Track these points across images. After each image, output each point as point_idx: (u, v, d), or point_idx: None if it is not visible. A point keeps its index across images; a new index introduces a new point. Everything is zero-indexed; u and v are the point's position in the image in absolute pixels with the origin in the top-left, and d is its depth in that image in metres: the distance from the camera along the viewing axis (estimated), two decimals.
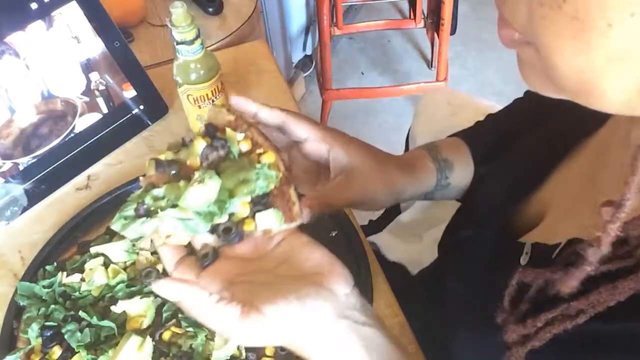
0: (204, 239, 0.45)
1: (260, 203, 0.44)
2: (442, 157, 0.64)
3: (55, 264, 0.70)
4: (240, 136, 0.46)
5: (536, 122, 0.58)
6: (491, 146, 0.66)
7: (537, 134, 0.57)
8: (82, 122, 0.82)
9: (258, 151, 0.45)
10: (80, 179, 0.82)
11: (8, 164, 0.78)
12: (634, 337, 0.35)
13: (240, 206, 0.43)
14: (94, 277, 0.66)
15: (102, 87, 0.83)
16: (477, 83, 2.19)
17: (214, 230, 0.43)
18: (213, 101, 0.77)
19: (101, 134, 0.84)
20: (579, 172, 0.49)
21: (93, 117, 0.83)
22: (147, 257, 0.69)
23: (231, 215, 0.44)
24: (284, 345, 0.44)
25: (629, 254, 0.36)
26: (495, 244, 0.54)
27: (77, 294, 0.66)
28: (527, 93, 0.68)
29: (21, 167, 0.79)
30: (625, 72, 0.30)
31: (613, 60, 0.29)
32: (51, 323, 0.63)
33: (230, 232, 0.43)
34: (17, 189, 0.78)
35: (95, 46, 0.81)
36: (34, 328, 0.63)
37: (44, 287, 0.67)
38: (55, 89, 0.80)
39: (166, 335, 0.62)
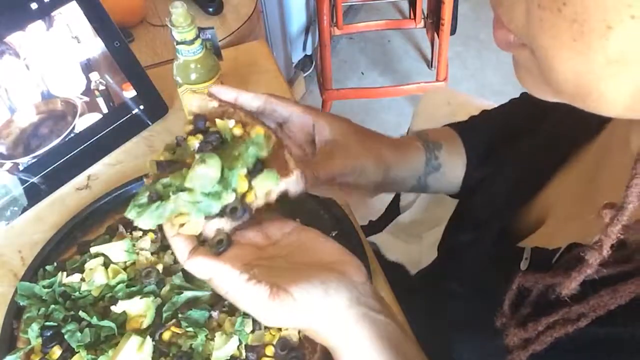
0: (215, 225, 0.45)
1: (256, 172, 0.45)
2: (430, 139, 0.64)
3: (55, 264, 0.70)
4: (231, 123, 0.47)
5: (532, 123, 0.58)
6: (483, 136, 0.66)
7: (537, 137, 0.57)
8: (82, 122, 0.82)
9: (247, 128, 0.47)
10: (80, 179, 0.82)
11: (8, 164, 0.78)
12: (635, 341, 0.34)
13: (239, 181, 0.44)
14: (94, 277, 0.66)
15: (102, 87, 0.83)
16: (477, 83, 2.19)
17: (222, 213, 0.44)
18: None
19: (101, 134, 0.84)
20: (579, 176, 0.49)
21: (93, 117, 0.83)
22: (147, 257, 0.69)
23: (235, 193, 0.45)
24: (304, 328, 0.45)
25: (629, 257, 0.36)
26: (495, 249, 0.54)
27: (77, 294, 0.66)
28: (524, 94, 0.68)
29: (21, 167, 0.79)
30: (623, 75, 0.29)
31: (612, 63, 0.29)
32: (51, 323, 0.63)
33: (237, 210, 0.44)
34: (17, 189, 0.78)
35: (95, 46, 0.81)
36: (34, 328, 0.63)
37: (44, 287, 0.67)
38: (55, 89, 0.80)
39: (166, 335, 0.62)
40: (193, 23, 0.70)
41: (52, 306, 0.65)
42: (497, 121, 0.69)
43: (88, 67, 0.81)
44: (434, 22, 2.01)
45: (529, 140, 0.58)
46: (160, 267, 0.68)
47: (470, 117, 0.70)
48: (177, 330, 0.62)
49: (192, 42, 0.71)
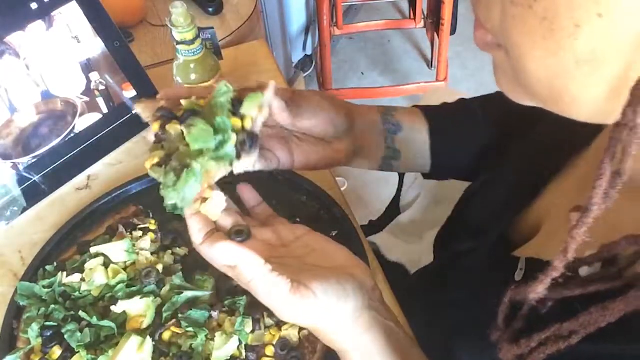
0: (242, 166, 0.46)
1: (238, 106, 0.46)
2: (386, 108, 0.65)
3: (55, 264, 0.70)
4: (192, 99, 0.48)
5: (524, 123, 0.57)
6: (445, 113, 0.66)
7: (533, 143, 0.57)
8: (82, 122, 0.82)
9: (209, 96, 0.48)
10: (80, 179, 0.82)
11: (8, 164, 0.78)
12: (626, 358, 0.34)
13: (231, 121, 0.45)
14: (94, 277, 0.66)
15: (102, 87, 0.83)
16: (477, 83, 2.19)
17: (238, 154, 0.45)
18: None
19: (101, 134, 0.84)
20: (573, 185, 0.49)
21: (93, 117, 0.83)
22: (147, 257, 0.69)
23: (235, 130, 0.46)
24: (314, 328, 0.45)
25: (618, 274, 0.35)
26: (491, 258, 0.54)
27: (77, 294, 0.66)
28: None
29: (21, 167, 0.79)
30: (594, 77, 0.29)
31: (582, 64, 0.28)
32: (51, 323, 0.63)
33: (245, 142, 0.45)
34: (16, 190, 0.78)
35: (95, 46, 0.81)
36: (34, 328, 0.63)
37: (44, 287, 0.67)
38: (55, 89, 0.80)
39: (166, 335, 0.62)
40: (193, 23, 0.70)
41: (52, 306, 0.65)
42: (465, 103, 0.69)
43: (88, 67, 0.81)
44: (434, 22, 2.01)
45: (524, 145, 0.58)
46: (160, 267, 0.68)
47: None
48: (177, 330, 0.62)
49: (192, 42, 0.71)
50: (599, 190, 0.30)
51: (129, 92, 0.85)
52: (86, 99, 0.82)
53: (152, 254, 0.69)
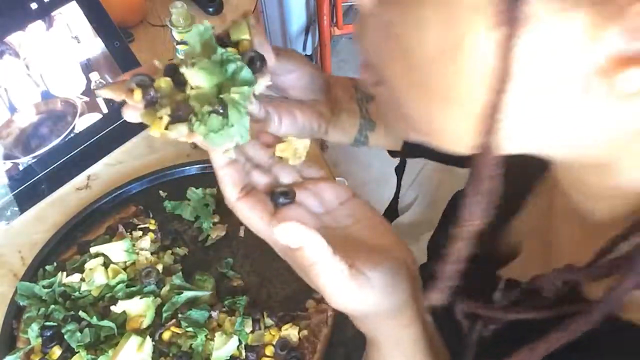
0: (261, 86, 0.41)
1: (225, 36, 0.43)
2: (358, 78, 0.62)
3: (55, 264, 0.70)
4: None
5: None
6: None
7: (512, 157, 0.55)
8: (82, 122, 0.82)
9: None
10: (80, 179, 0.82)
11: (8, 164, 0.78)
12: None
13: (228, 51, 0.41)
14: (94, 277, 0.66)
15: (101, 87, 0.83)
16: None
17: (254, 76, 0.40)
18: None
19: (101, 134, 0.84)
20: (539, 206, 0.47)
21: (93, 117, 0.83)
22: (146, 257, 0.69)
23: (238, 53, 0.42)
24: (359, 315, 0.41)
25: (546, 303, 0.35)
26: (474, 276, 0.52)
27: (77, 294, 0.66)
28: None
29: (21, 167, 0.79)
30: (453, 111, 0.28)
31: (440, 99, 0.28)
32: (51, 323, 0.63)
33: (254, 59, 0.41)
34: (8, 196, 0.78)
35: (95, 46, 0.81)
36: (34, 328, 0.63)
37: (43, 287, 0.67)
38: (55, 88, 0.80)
39: (166, 335, 0.62)
40: (193, 23, 0.70)
41: (52, 306, 0.65)
42: None
43: (88, 67, 0.81)
44: None
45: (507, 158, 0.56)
46: (160, 267, 0.68)
47: None
48: (177, 330, 0.62)
49: None
50: (468, 202, 0.29)
51: None
52: (86, 99, 0.82)
53: (152, 254, 0.69)
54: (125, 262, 0.69)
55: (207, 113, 0.39)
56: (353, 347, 0.63)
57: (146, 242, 0.70)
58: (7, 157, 0.78)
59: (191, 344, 0.61)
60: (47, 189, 0.80)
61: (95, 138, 0.84)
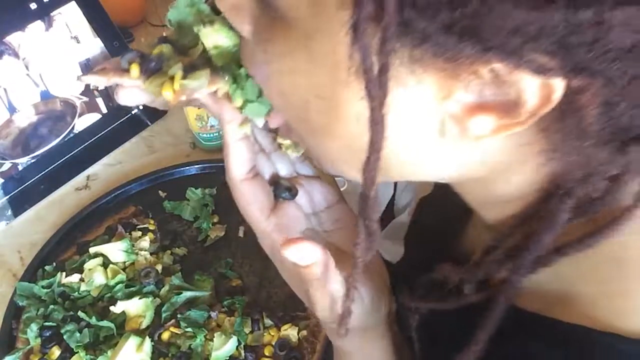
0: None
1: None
2: None
3: (54, 264, 0.70)
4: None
5: None
6: None
7: None
8: (82, 122, 0.82)
9: None
10: (79, 179, 0.82)
11: (7, 164, 0.78)
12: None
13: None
14: (93, 278, 0.66)
15: (101, 87, 0.83)
16: None
17: None
18: None
19: (100, 134, 0.84)
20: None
21: (92, 117, 0.83)
22: (146, 257, 0.69)
23: None
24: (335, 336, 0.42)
25: (449, 295, 0.38)
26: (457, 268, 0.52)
27: (76, 294, 0.66)
28: None
29: (20, 167, 0.79)
30: (334, 144, 0.30)
31: (321, 134, 0.30)
32: (50, 323, 0.63)
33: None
34: (4, 199, 0.78)
35: (94, 46, 0.81)
36: (33, 328, 0.63)
37: (43, 287, 0.67)
38: (54, 89, 0.80)
39: (165, 336, 0.62)
40: None
41: (51, 306, 0.65)
42: None
43: (87, 67, 0.81)
44: None
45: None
46: (159, 267, 0.68)
47: None
48: (176, 330, 0.62)
49: None
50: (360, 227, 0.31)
51: None
52: (85, 99, 0.82)
53: (151, 254, 0.69)
54: (125, 262, 0.69)
55: (245, 76, 0.36)
56: None
57: (145, 242, 0.70)
58: (6, 157, 0.78)
59: (190, 344, 0.61)
60: (46, 189, 0.80)
61: (94, 138, 0.84)
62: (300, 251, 0.35)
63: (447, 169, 0.31)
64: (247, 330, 0.62)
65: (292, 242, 0.34)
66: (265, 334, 0.62)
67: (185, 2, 0.38)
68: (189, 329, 0.62)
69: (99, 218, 0.75)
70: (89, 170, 0.83)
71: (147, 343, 0.61)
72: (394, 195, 0.95)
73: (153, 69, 0.38)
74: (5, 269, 0.73)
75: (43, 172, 0.80)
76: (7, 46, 0.74)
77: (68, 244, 0.73)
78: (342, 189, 0.65)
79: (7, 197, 0.78)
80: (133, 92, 0.39)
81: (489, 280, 0.37)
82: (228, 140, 0.39)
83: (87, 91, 0.82)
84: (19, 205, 0.79)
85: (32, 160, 0.79)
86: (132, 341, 0.60)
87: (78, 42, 0.80)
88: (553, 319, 0.32)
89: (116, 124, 0.85)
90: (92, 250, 0.69)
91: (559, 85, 0.24)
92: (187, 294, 0.64)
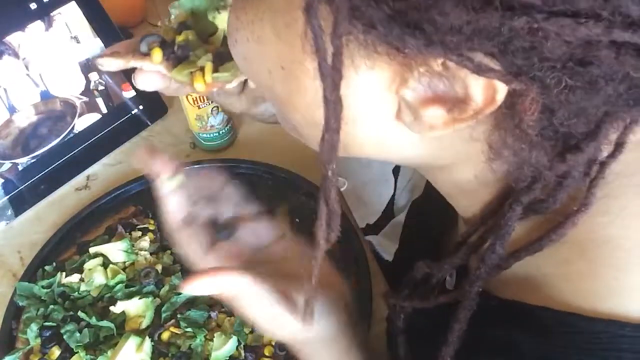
0: None
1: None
2: None
3: (54, 264, 0.70)
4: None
5: None
6: None
7: None
8: (82, 122, 0.82)
9: None
10: (79, 179, 0.82)
11: (7, 164, 0.78)
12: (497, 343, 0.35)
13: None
14: (93, 278, 0.66)
15: (101, 87, 0.83)
16: None
17: None
18: (212, 101, 0.77)
19: (100, 134, 0.84)
20: None
21: (92, 117, 0.83)
22: (146, 257, 0.69)
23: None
24: (298, 342, 0.43)
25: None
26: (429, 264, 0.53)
27: (76, 294, 0.66)
28: None
29: (20, 167, 0.79)
30: (290, 112, 0.32)
31: (277, 100, 0.32)
32: (50, 323, 0.63)
33: None
34: (4, 199, 0.78)
35: (94, 46, 0.81)
36: (33, 328, 0.63)
37: (43, 287, 0.67)
38: (54, 89, 0.80)
39: (165, 336, 0.62)
40: None
41: (51, 306, 0.65)
42: None
43: (87, 67, 0.81)
44: None
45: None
46: (159, 267, 0.68)
47: None
48: (176, 330, 0.62)
49: None
50: (321, 224, 0.32)
51: (129, 92, 0.85)
52: (85, 99, 0.82)
53: (151, 254, 0.69)
54: (125, 262, 0.69)
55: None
56: None
57: (145, 242, 0.70)
58: (6, 157, 0.78)
59: (190, 344, 0.61)
60: (46, 189, 0.80)
61: (94, 138, 0.84)
62: (199, 285, 0.37)
63: (406, 152, 0.32)
64: (247, 330, 0.62)
65: (188, 280, 0.37)
66: None
67: None
68: (189, 329, 0.62)
69: (99, 218, 0.75)
70: (89, 170, 0.83)
71: (147, 343, 0.61)
72: (394, 195, 0.95)
73: (180, 57, 0.37)
74: (5, 269, 0.73)
75: (43, 172, 0.80)
76: (7, 46, 0.74)
77: (68, 244, 0.73)
78: (342, 189, 0.66)
79: (7, 197, 0.78)
80: (152, 77, 0.40)
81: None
82: (161, 193, 0.42)
83: (87, 91, 0.82)
84: (19, 205, 0.79)
85: (32, 160, 0.79)
86: (132, 341, 0.60)
87: (78, 42, 0.80)
88: (522, 303, 0.34)
89: (116, 124, 0.85)
90: (92, 250, 0.69)
91: (502, 87, 0.25)
92: (187, 294, 0.64)
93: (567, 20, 0.21)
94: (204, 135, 0.80)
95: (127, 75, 0.84)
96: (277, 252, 0.45)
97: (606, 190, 0.32)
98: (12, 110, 0.77)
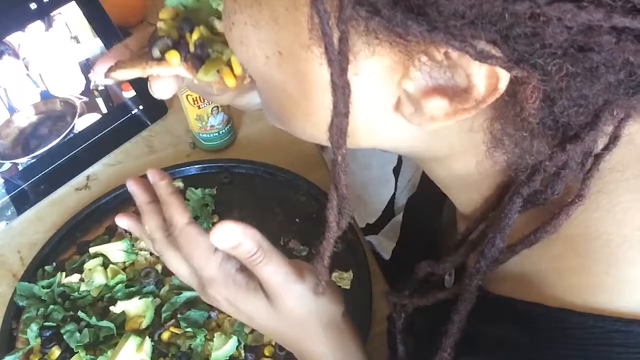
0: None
1: None
2: None
3: (54, 264, 0.70)
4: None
5: None
6: None
7: None
8: (82, 122, 0.82)
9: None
10: (79, 179, 0.82)
11: (7, 164, 0.78)
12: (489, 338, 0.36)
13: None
14: (93, 278, 0.66)
15: (101, 87, 0.83)
16: None
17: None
18: (212, 101, 0.77)
19: (100, 134, 0.84)
20: None
21: (92, 117, 0.83)
22: (146, 257, 0.69)
23: None
24: (301, 322, 0.44)
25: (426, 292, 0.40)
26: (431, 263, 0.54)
27: (76, 294, 0.66)
28: None
29: (20, 167, 0.79)
30: (281, 98, 0.32)
31: (271, 86, 0.31)
32: (50, 323, 0.63)
33: None
34: (4, 199, 0.78)
35: (94, 46, 0.81)
36: (33, 328, 0.63)
37: (43, 287, 0.67)
38: (54, 89, 0.80)
39: (165, 336, 0.62)
40: None
41: (51, 306, 0.65)
42: None
43: (87, 67, 0.81)
44: None
45: None
46: (159, 267, 0.68)
47: None
48: (176, 330, 0.62)
49: None
50: (331, 212, 0.33)
51: (129, 92, 0.85)
52: (85, 99, 0.82)
53: (151, 254, 0.69)
54: (125, 262, 0.69)
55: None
56: None
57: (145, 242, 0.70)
58: (6, 157, 0.78)
59: (190, 345, 0.61)
60: (46, 189, 0.80)
61: (94, 138, 0.84)
62: (225, 232, 0.38)
63: (402, 143, 0.33)
64: (247, 330, 0.62)
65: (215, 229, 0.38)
66: None
67: None
68: (189, 329, 0.62)
69: (99, 218, 0.75)
70: (89, 170, 0.83)
71: (147, 343, 0.61)
72: (394, 195, 0.95)
73: (200, 56, 0.36)
74: (5, 269, 0.73)
75: (43, 172, 0.80)
76: (7, 46, 0.74)
77: (68, 244, 0.73)
78: None
79: (7, 197, 0.78)
80: (169, 82, 0.39)
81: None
82: (164, 195, 0.44)
83: (87, 91, 0.82)
84: (19, 205, 0.79)
85: (32, 160, 0.79)
86: (132, 341, 0.60)
87: (78, 42, 0.80)
88: (516, 300, 0.34)
89: (116, 124, 0.85)
90: (92, 250, 0.69)
91: (504, 75, 0.25)
92: (187, 294, 0.64)
93: (568, 5, 0.21)
94: (204, 135, 0.80)
95: None
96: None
97: (599, 186, 0.32)
98: (12, 110, 0.77)
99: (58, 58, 0.79)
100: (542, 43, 0.23)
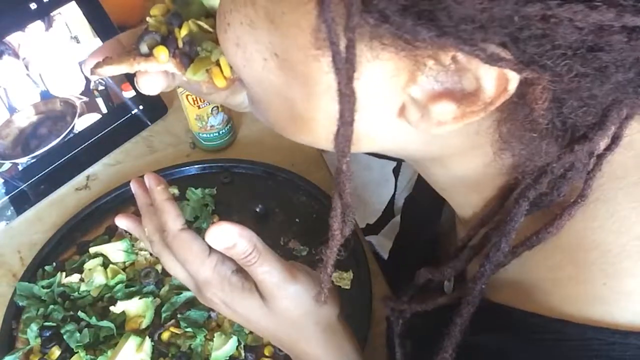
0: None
1: None
2: None
3: (54, 264, 0.70)
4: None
5: None
6: None
7: None
8: (82, 122, 0.82)
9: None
10: (79, 179, 0.82)
11: (7, 164, 0.78)
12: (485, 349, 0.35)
13: None
14: (93, 278, 0.66)
15: (101, 87, 0.83)
16: None
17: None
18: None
19: (100, 134, 0.84)
20: None
21: (92, 117, 0.83)
22: (146, 257, 0.69)
23: None
24: (295, 322, 0.44)
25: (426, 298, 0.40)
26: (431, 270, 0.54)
27: (76, 294, 0.66)
28: None
29: (20, 167, 0.79)
30: (276, 101, 0.32)
31: (265, 90, 0.31)
32: (50, 323, 0.63)
33: None
34: (4, 199, 0.78)
35: (94, 46, 0.81)
36: (33, 328, 0.63)
37: (43, 287, 0.67)
38: (54, 89, 0.80)
39: (165, 336, 0.62)
40: None
41: (51, 306, 0.65)
42: None
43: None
44: None
45: None
46: (159, 267, 0.68)
47: None
48: (176, 330, 0.62)
49: None
50: (335, 221, 0.32)
51: (129, 92, 0.85)
52: (85, 99, 0.82)
53: (151, 254, 0.69)
54: (125, 262, 0.69)
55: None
56: None
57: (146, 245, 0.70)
58: (6, 157, 0.78)
59: (190, 344, 0.61)
60: (46, 189, 0.80)
61: (94, 138, 0.84)
62: (220, 232, 0.38)
63: (407, 147, 0.33)
64: (247, 330, 0.62)
65: (210, 230, 0.38)
66: None
67: None
68: (189, 329, 0.62)
69: (99, 218, 0.75)
70: (89, 170, 0.83)
71: (147, 343, 0.61)
72: (394, 195, 0.95)
73: (187, 53, 0.35)
74: (5, 269, 0.73)
75: (43, 172, 0.80)
76: (7, 46, 0.74)
77: (68, 244, 0.73)
78: None
79: (7, 197, 0.78)
80: (157, 78, 0.38)
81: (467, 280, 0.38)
82: (158, 201, 0.43)
83: (87, 91, 0.82)
84: (19, 205, 0.79)
85: (32, 160, 0.79)
86: (132, 341, 0.60)
87: (78, 42, 0.80)
88: (513, 309, 0.34)
89: (116, 124, 0.85)
90: (92, 250, 0.69)
91: (514, 76, 0.25)
92: (187, 294, 0.64)
93: (580, 6, 0.21)
94: (204, 135, 0.80)
95: (127, 75, 0.84)
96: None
97: (597, 194, 0.32)
98: (12, 110, 0.77)
99: (58, 58, 0.79)
100: (552, 44, 0.23)
